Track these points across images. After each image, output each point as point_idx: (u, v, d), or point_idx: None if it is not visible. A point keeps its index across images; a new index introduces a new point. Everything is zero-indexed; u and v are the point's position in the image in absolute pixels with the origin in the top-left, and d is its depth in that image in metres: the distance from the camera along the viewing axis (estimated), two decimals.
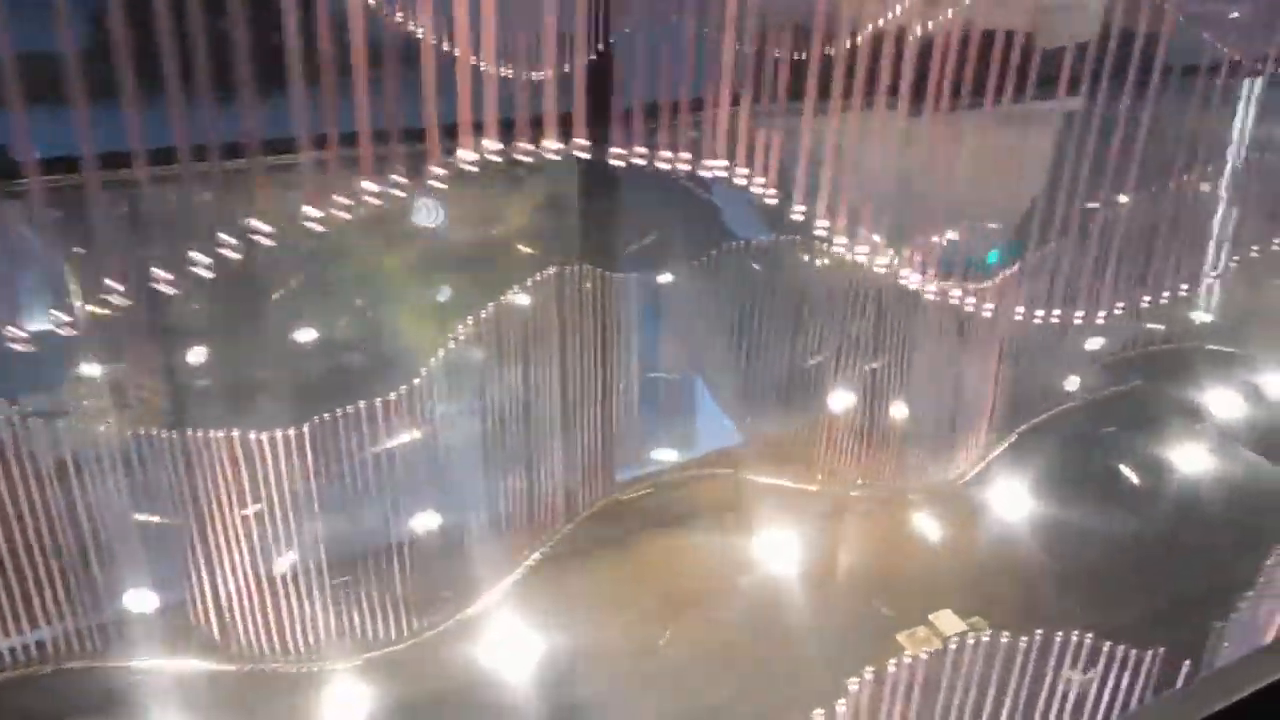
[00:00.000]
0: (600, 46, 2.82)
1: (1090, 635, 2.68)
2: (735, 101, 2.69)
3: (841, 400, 4.60)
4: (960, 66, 2.88)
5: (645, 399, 4.42)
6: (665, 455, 4.61)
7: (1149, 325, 5.24)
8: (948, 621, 3.93)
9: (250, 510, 3.37)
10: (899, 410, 4.67)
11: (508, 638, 3.68)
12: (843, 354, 4.49)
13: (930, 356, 4.58)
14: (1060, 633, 2.67)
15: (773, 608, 3.97)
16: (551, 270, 3.66)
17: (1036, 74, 3.08)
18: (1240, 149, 4.82)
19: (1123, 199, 4.09)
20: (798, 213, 2.52)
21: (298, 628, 3.53)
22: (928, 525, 4.45)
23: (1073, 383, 5.09)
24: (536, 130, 2.65)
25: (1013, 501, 4.51)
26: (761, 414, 4.64)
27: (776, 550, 4.19)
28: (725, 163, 2.38)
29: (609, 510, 4.27)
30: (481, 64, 2.72)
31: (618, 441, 4.23)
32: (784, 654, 3.72)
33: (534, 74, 2.68)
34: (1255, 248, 4.50)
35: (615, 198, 3.87)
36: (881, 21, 2.81)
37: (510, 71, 2.60)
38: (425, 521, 3.73)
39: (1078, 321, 4.00)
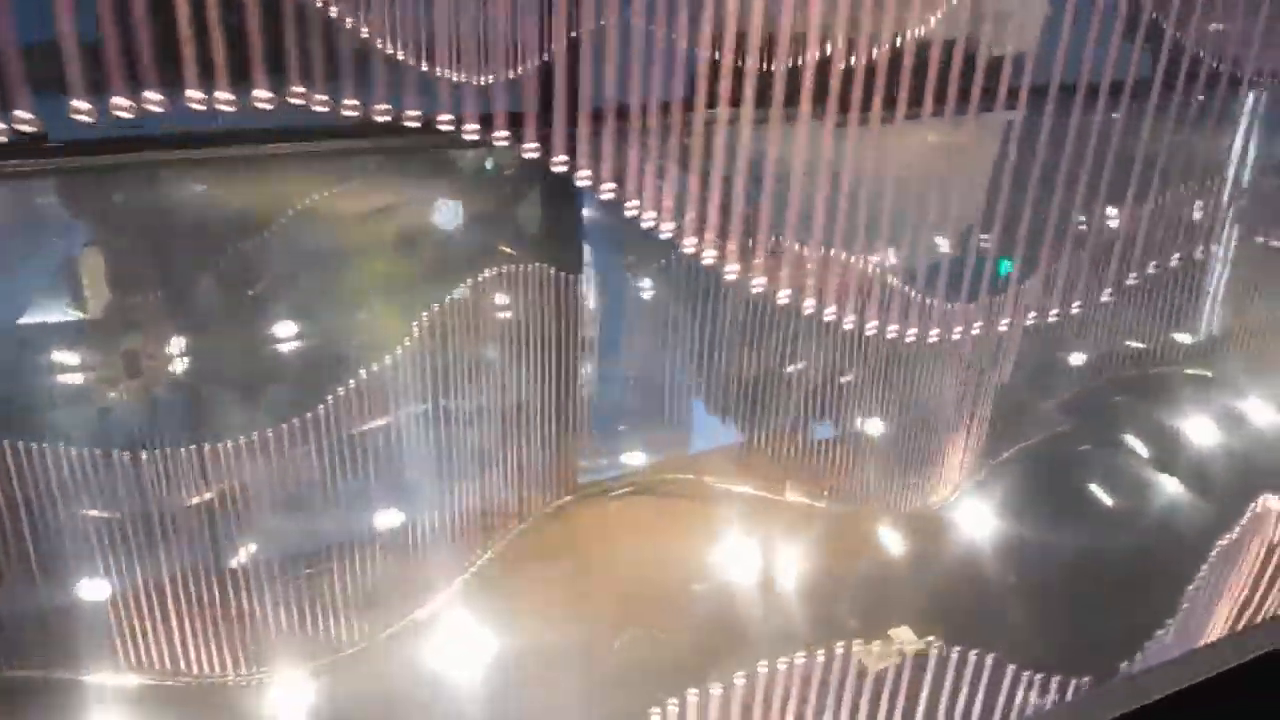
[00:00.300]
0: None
1: (992, 656, 2.64)
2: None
3: (813, 412, 4.56)
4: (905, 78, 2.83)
5: (610, 402, 4.38)
6: (629, 459, 4.57)
7: (1130, 343, 5.20)
8: (906, 637, 3.88)
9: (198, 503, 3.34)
10: (872, 426, 4.63)
11: (457, 641, 3.63)
12: (814, 365, 4.45)
13: (906, 374, 4.54)
14: (957, 649, 2.62)
15: (731, 616, 3.92)
16: (506, 269, 3.63)
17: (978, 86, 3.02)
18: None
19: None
20: (630, 210, 2.46)
21: (245, 636, 3.46)
22: (896, 541, 4.40)
23: (1052, 406, 5.04)
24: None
25: (983, 523, 4.46)
26: (728, 421, 4.59)
27: (737, 558, 4.15)
28: (565, 157, 2.33)
29: (569, 513, 4.23)
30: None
31: (579, 443, 4.20)
32: (738, 663, 3.67)
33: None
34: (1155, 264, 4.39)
35: (574, 198, 3.84)
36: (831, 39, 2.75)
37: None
38: (374, 522, 3.69)
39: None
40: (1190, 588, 3.16)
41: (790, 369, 4.45)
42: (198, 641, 3.42)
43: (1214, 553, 3.23)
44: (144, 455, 3.22)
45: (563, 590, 3.92)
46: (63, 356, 3.80)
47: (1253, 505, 4.00)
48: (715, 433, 4.65)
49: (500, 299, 3.68)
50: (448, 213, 4.56)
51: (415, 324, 3.49)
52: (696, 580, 4.05)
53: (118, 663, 3.34)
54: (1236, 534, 3.56)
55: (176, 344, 3.94)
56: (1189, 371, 5.33)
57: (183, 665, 3.42)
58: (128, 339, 3.93)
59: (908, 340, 3.63)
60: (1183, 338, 5.43)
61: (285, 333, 4.15)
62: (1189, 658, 1.82)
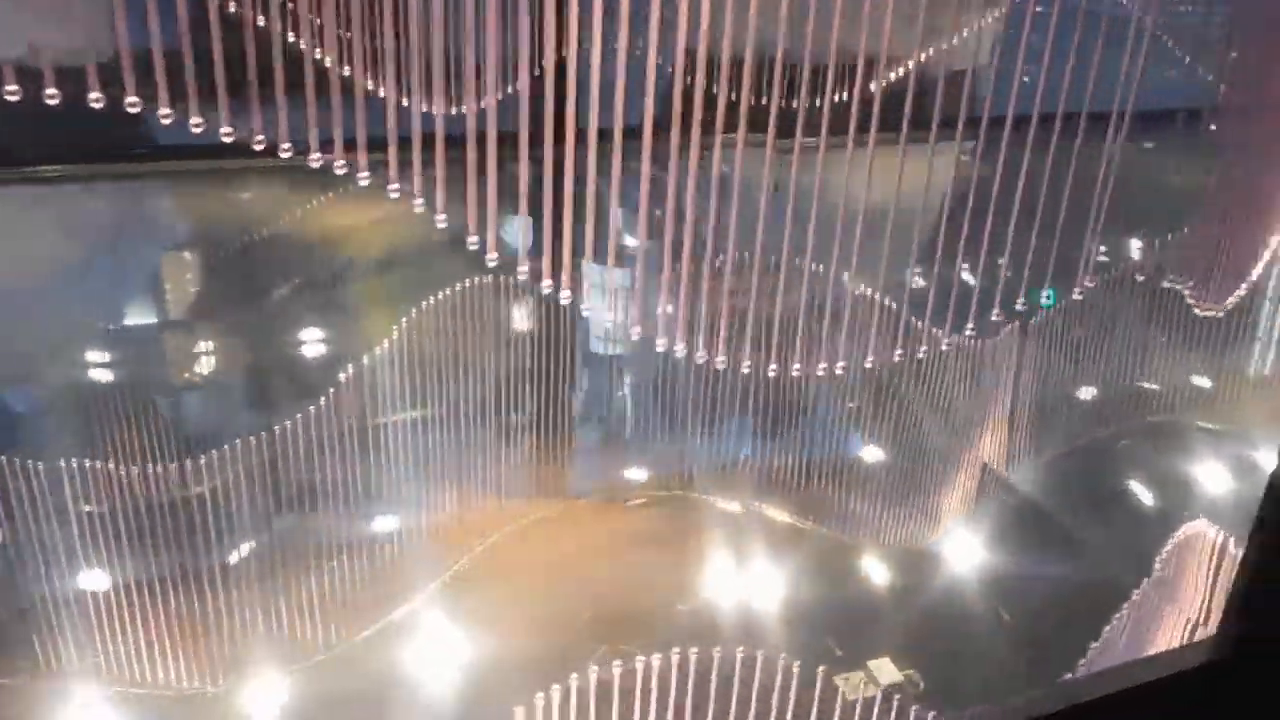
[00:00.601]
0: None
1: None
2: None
3: (811, 436, 4.55)
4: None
5: (604, 414, 4.39)
6: (623, 472, 4.55)
7: (1144, 385, 5.08)
8: (885, 670, 3.83)
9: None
10: (871, 454, 4.60)
11: (430, 646, 3.64)
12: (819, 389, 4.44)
13: (913, 407, 4.51)
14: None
15: (713, 636, 3.88)
16: (487, 279, 3.68)
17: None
18: None
19: None
20: (471, 243, 2.45)
21: (220, 641, 3.48)
22: (885, 571, 4.34)
23: (1055, 445, 4.94)
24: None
25: (975, 561, 4.39)
26: (727, 438, 4.57)
27: (722, 577, 4.11)
28: (396, 186, 2.33)
29: (555, 523, 4.23)
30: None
31: (568, 454, 4.20)
32: (714, 683, 3.64)
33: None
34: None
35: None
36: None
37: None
38: (353, 525, 3.72)
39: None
40: (1106, 628, 3.10)
41: (790, 390, 4.44)
42: (172, 646, 3.43)
43: (1146, 580, 3.16)
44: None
45: (538, 599, 3.92)
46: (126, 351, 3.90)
47: (1180, 530, 3.91)
48: (712, 449, 4.62)
49: (489, 308, 3.72)
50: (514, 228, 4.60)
51: (395, 329, 3.54)
52: (677, 598, 4.03)
53: (92, 668, 3.37)
54: (1161, 561, 3.49)
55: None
56: (1201, 424, 5.19)
57: (158, 671, 3.43)
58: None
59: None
60: (1201, 382, 5.30)
61: (294, 337, 4.23)
62: (1094, 678, 1.81)
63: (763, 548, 4.26)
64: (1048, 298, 4.37)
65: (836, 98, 2.87)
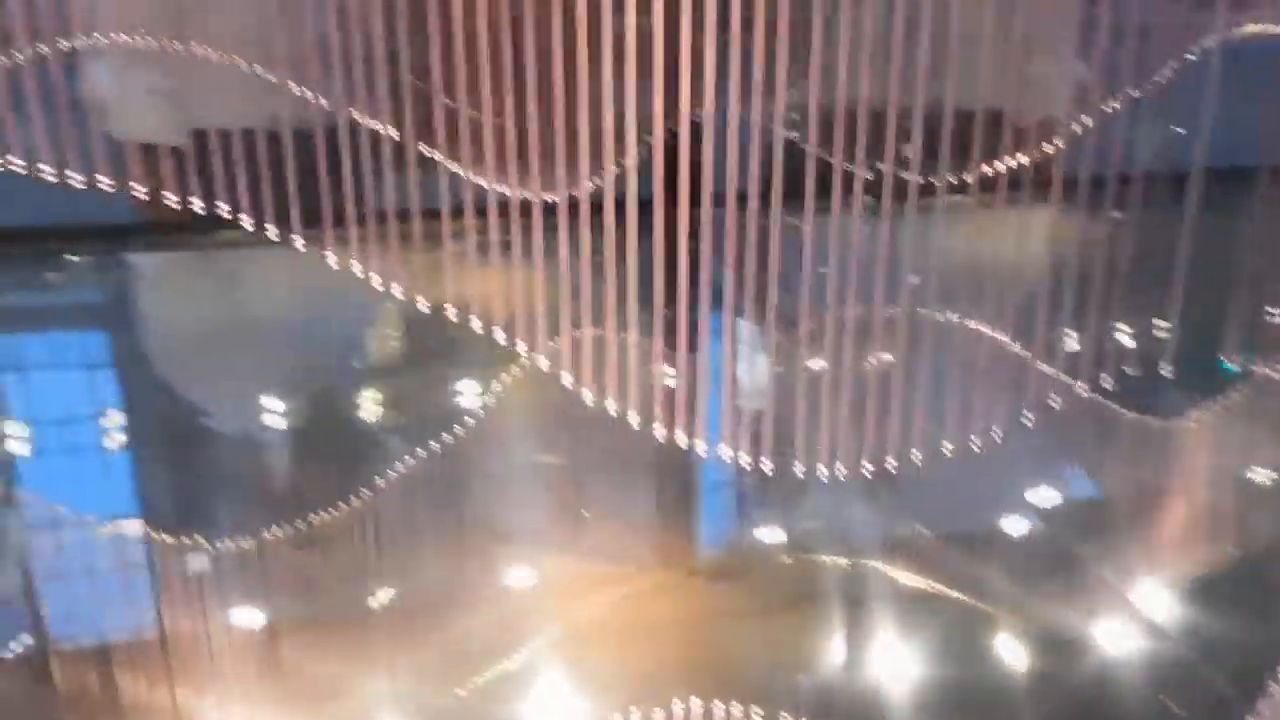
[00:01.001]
0: None
1: None
2: None
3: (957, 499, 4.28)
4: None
5: (737, 475, 4.24)
6: (766, 533, 4.40)
7: None
8: None
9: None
10: (1021, 525, 4.29)
11: (540, 697, 3.63)
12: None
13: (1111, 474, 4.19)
14: None
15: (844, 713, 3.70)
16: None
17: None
18: None
19: None
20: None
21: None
22: (1025, 652, 4.01)
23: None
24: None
25: (1133, 646, 3.99)
26: (861, 501, 4.35)
27: (854, 654, 3.91)
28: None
29: (676, 586, 4.12)
30: None
31: (695, 516, 4.09)
32: None
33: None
34: None
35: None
36: None
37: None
38: (469, 571, 3.74)
39: None
40: None
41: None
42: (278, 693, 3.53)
43: None
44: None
45: (650, 662, 3.83)
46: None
47: None
48: (847, 512, 4.41)
49: None
50: None
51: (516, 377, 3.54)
52: (802, 668, 3.86)
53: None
54: None
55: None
56: None
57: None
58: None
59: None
60: None
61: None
62: None
63: (897, 619, 4.02)
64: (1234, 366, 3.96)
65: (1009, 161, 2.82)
